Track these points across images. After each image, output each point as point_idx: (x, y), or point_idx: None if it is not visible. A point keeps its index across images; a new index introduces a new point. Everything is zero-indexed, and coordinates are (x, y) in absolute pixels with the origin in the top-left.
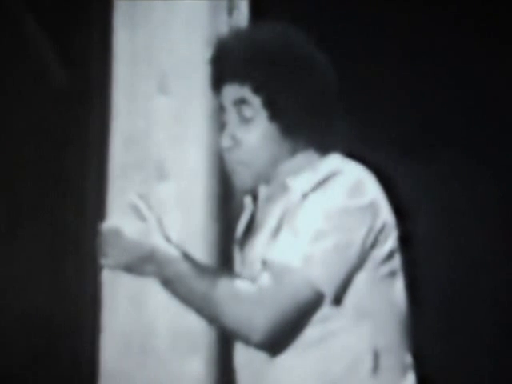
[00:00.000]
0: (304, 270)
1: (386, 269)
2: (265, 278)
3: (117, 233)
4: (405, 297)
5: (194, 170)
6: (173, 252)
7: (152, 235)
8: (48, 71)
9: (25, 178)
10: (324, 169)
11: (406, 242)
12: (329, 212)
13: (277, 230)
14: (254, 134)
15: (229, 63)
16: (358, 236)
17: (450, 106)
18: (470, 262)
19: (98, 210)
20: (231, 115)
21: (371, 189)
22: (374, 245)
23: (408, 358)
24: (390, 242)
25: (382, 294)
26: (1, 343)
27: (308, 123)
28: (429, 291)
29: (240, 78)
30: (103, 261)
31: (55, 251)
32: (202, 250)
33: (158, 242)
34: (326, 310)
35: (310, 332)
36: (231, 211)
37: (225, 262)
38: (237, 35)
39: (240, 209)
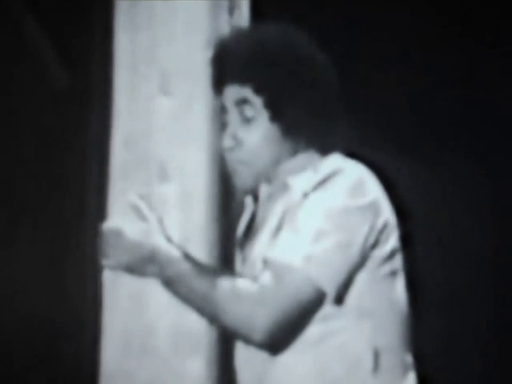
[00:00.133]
0: (305, 269)
1: (387, 268)
2: (266, 277)
3: (118, 233)
4: (406, 297)
5: (194, 171)
6: (174, 252)
7: (153, 235)
8: (49, 72)
9: (25, 178)
10: (325, 168)
11: (406, 242)
12: (330, 211)
13: (278, 230)
14: (256, 134)
15: (230, 64)
16: (359, 235)
17: (450, 107)
18: (470, 262)
19: (99, 211)
20: (232, 115)
21: (372, 188)
22: (375, 244)
23: (408, 358)
24: (392, 241)
25: (383, 294)
26: (2, 343)
27: (309, 123)
28: (429, 291)
29: (241, 78)
30: (104, 261)
31: (56, 252)
32: (203, 249)
33: (158, 242)
34: (326, 309)
35: (311, 331)
36: (232, 211)
37: (226, 262)
38: (238, 35)
39: (241, 209)
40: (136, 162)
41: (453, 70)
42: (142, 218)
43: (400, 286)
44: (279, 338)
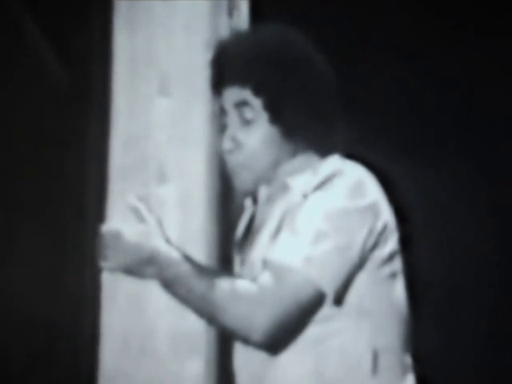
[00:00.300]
0: (305, 270)
1: (386, 270)
2: (265, 278)
3: (117, 235)
4: (405, 298)
5: (194, 172)
6: (173, 254)
7: (152, 237)
8: (48, 72)
9: (24, 179)
10: (324, 170)
11: (406, 244)
12: (329, 212)
13: (277, 231)
14: (255, 136)
15: (229, 65)
16: (358, 237)
17: (450, 108)
18: (470, 263)
19: (98, 212)
20: (232, 117)
21: (372, 190)
22: (374, 246)
23: (407, 359)
24: (391, 243)
25: (383, 295)
26: (0, 344)
27: (308, 125)
28: (428, 292)
29: (241, 80)
30: (103, 263)
31: (55, 253)
32: (202, 251)
33: (157, 243)
34: (326, 310)
35: (310, 332)
36: (231, 213)
37: (225, 264)
38: (237, 37)
39: (240, 210)
40: (135, 164)
41: (453, 71)
42: (141, 219)
43: (399, 288)
44: (278, 339)
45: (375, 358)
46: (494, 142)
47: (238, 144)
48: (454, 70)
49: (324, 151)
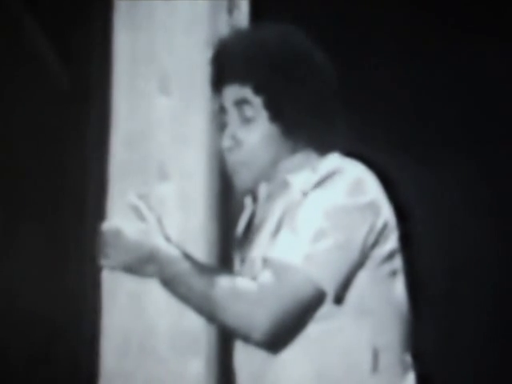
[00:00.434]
0: (305, 269)
1: (386, 268)
2: (266, 276)
3: (117, 233)
4: (405, 296)
5: (194, 170)
6: (173, 252)
7: (152, 235)
8: (48, 72)
9: (25, 178)
10: (324, 167)
11: (406, 242)
12: (329, 210)
13: (277, 229)
14: (255, 134)
15: (230, 63)
16: (358, 235)
17: (451, 107)
18: (470, 262)
19: (98, 211)
20: (232, 116)
21: (372, 188)
22: (374, 244)
23: (408, 358)
24: (391, 241)
25: (383, 293)
26: (1, 343)
27: (308, 123)
28: (429, 291)
29: (241, 78)
30: (103, 261)
31: (55, 251)
32: (203, 249)
33: (158, 242)
34: (326, 308)
35: (310, 330)
36: (231, 211)
37: (225, 262)
38: (237, 35)
39: (240, 208)
40: (135, 162)
41: (454, 70)
42: (141, 217)
43: (400, 286)
44: (279, 337)
45: (375, 356)
46: (495, 141)
47: (237, 142)
48: (455, 69)
49: (324, 149)
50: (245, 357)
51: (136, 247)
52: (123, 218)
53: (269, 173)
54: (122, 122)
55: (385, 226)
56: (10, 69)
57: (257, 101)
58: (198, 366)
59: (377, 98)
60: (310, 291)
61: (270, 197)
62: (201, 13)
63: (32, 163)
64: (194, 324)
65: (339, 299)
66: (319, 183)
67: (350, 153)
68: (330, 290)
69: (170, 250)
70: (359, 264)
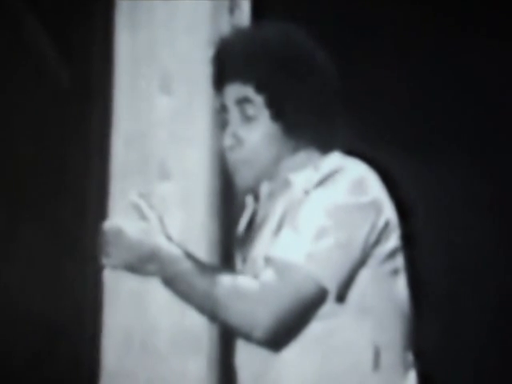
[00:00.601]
0: (307, 267)
1: (388, 267)
2: (267, 275)
3: (118, 232)
4: (407, 295)
5: (195, 169)
6: (174, 251)
7: (154, 234)
8: (49, 71)
9: (26, 177)
10: (326, 166)
11: (408, 241)
12: (331, 209)
13: (279, 227)
14: (257, 132)
15: (231, 62)
16: (360, 233)
17: (453, 106)
18: (472, 261)
19: (100, 210)
20: (233, 114)
21: (374, 186)
22: (376, 242)
23: (409, 356)
24: (393, 240)
25: (385, 292)
26: (2, 342)
27: (310, 122)
28: (430, 289)
29: (242, 76)
30: (105, 260)
31: (57, 251)
32: (204, 248)
33: (159, 241)
34: (328, 306)
35: (312, 329)
36: (233, 210)
37: (227, 261)
38: (239, 34)
39: (241, 207)
40: (137, 161)
41: (456, 69)
42: (143, 216)
43: (401, 285)
44: (280, 336)
45: (377, 355)
46: (497, 140)
47: (239, 140)
48: (457, 68)
49: (325, 148)
50: (246, 355)
51: (137, 246)
52: (125, 217)
53: (270, 171)
54: (123, 121)
55: (386, 225)
56: (11, 68)
57: (258, 99)
58: (199, 364)
59: (378, 97)
60: (311, 289)
61: (272, 195)
62: (202, 12)
63: (33, 162)
64: (196, 323)
65: (341, 298)
66: (321, 182)
67: (351, 151)
68: (332, 289)
69: (171, 249)
70: (361, 262)
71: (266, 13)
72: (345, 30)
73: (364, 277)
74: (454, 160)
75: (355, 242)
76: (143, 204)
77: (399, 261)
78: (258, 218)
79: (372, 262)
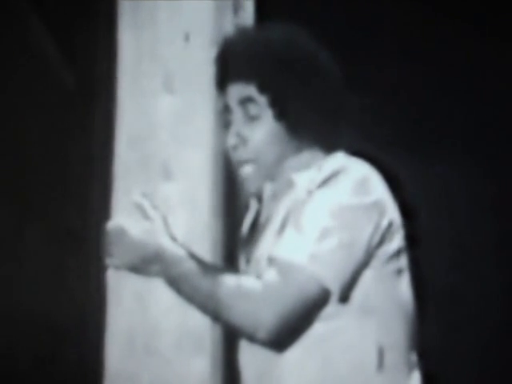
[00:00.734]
0: (310, 268)
1: (392, 267)
2: (271, 275)
3: (122, 232)
4: (411, 295)
5: (198, 169)
6: (178, 251)
7: (157, 234)
8: (53, 71)
9: (29, 177)
10: (329, 166)
11: (411, 241)
12: (334, 209)
13: (282, 228)
14: (260, 132)
15: (235, 62)
16: (363, 234)
17: (457, 106)
18: (476, 260)
19: (103, 210)
20: (236, 114)
21: (377, 187)
22: (380, 243)
23: (413, 357)
24: (397, 240)
25: (388, 292)
26: (5, 343)
27: (313, 122)
28: (434, 290)
29: (246, 76)
30: (108, 260)
31: (60, 251)
32: (208, 248)
33: (163, 241)
34: (331, 307)
35: (315, 329)
36: (236, 210)
37: (230, 261)
38: (242, 34)
39: (245, 207)
40: (140, 161)
41: (459, 69)
42: (146, 217)
43: (405, 285)
44: (284, 336)
45: (381, 355)
46: (501, 141)
47: (242, 140)
48: (460, 68)
49: (329, 148)
50: (250, 356)
51: (141, 246)
52: (128, 218)
53: (274, 171)
54: (127, 121)
55: (390, 225)
56: (15, 69)
57: (262, 99)
58: (202, 365)
59: (382, 97)
60: (314, 290)
61: (275, 196)
62: (205, 13)
63: (36, 163)
64: (199, 323)
65: (344, 298)
66: (324, 182)
67: (355, 152)
68: (335, 289)
69: (174, 250)
70: (364, 263)
71: (270, 13)
72: (348, 30)
73: (367, 277)
74: (457, 160)
75: (359, 243)
76: (146, 204)
77: (403, 261)
78: (262, 219)
79: (376, 263)
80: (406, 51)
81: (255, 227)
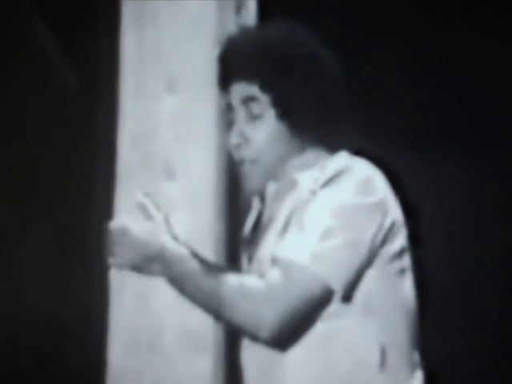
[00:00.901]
0: (313, 267)
1: (395, 267)
2: (273, 275)
3: (124, 232)
4: (413, 295)
5: (201, 169)
6: (180, 250)
7: (159, 234)
8: (55, 71)
9: (32, 177)
10: (333, 166)
11: (414, 241)
12: (338, 209)
13: (285, 227)
14: (263, 131)
15: (237, 61)
16: (367, 233)
17: (460, 105)
18: (478, 260)
19: (106, 209)
20: (239, 113)
21: (380, 186)
22: (383, 243)
23: (416, 356)
24: (400, 240)
25: (391, 292)
26: (8, 342)
27: (316, 121)
28: (436, 289)
29: (248, 75)
30: (111, 260)
31: (63, 250)
32: (210, 248)
33: (165, 240)
34: (334, 306)
35: (318, 328)
36: (239, 209)
37: (233, 260)
38: (245, 33)
39: (248, 207)
40: (142, 161)
41: (458, 67)
42: (149, 216)
43: (408, 285)
44: (286, 336)
45: (383, 354)
46: (503, 140)
47: (245, 139)
48: (460, 67)
49: (332, 147)
50: (252, 355)
51: (143, 246)
52: (130, 217)
53: (277, 170)
54: (129, 121)
55: (393, 225)
56: (18, 69)
57: (264, 98)
58: (205, 364)
59: (384, 97)
60: (317, 290)
61: (278, 195)
62: (208, 12)
63: (39, 162)
64: (202, 322)
65: (347, 298)
66: (327, 182)
67: (358, 151)
68: (338, 289)
69: (177, 249)
70: (367, 263)
71: (273, 13)
72: (351, 29)
73: (370, 277)
74: (459, 160)
75: (362, 243)
76: (149, 204)
77: (406, 261)
78: (265, 218)
79: (378, 262)
80: (411, 50)
81: (258, 227)
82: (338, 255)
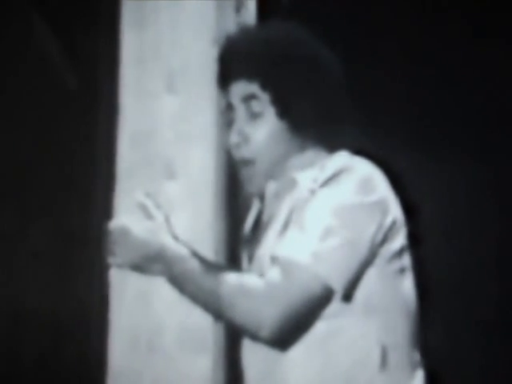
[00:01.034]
0: (313, 266)
1: (395, 265)
2: (273, 274)
3: (124, 231)
4: (414, 294)
5: (201, 168)
6: (181, 250)
7: (160, 233)
8: (56, 71)
9: (33, 177)
10: (333, 165)
11: (414, 240)
12: (338, 208)
13: (285, 227)
14: (263, 130)
15: (237, 60)
16: (367, 233)
17: (461, 105)
18: (478, 258)
19: (106, 209)
20: (239, 112)
21: (380, 186)
22: (383, 242)
23: (416, 355)
24: (400, 239)
25: (391, 291)
26: (10, 341)
27: (316, 120)
28: (437, 288)
29: (249, 74)
30: (111, 259)
31: (63, 250)
32: (210, 247)
33: (165, 240)
34: (334, 306)
35: (318, 328)
36: (239, 209)
37: (233, 260)
38: (245, 33)
39: (247, 206)
40: (143, 161)
41: (458, 67)
42: (149, 216)
43: (408, 284)
44: (287, 335)
45: (384, 354)
46: (504, 141)
47: (245, 138)
48: (463, 66)
49: (332, 147)
50: (252, 355)
51: (143, 245)
52: (131, 217)
53: (277, 170)
54: (130, 120)
55: (393, 224)
56: (19, 68)
57: (264, 97)
58: (205, 363)
59: (385, 96)
60: (317, 289)
61: (278, 194)
62: (208, 12)
63: (39, 162)
64: (202, 322)
65: (347, 297)
66: (327, 181)
67: (358, 151)
68: (338, 288)
69: (177, 248)
70: (367, 262)
71: (272, 12)
72: (351, 29)
73: (371, 276)
74: (460, 159)
75: (362, 242)
76: (149, 203)
77: (406, 260)
78: (265, 217)
79: (379, 261)
80: (412, 50)
81: (258, 226)
82: (338, 254)
